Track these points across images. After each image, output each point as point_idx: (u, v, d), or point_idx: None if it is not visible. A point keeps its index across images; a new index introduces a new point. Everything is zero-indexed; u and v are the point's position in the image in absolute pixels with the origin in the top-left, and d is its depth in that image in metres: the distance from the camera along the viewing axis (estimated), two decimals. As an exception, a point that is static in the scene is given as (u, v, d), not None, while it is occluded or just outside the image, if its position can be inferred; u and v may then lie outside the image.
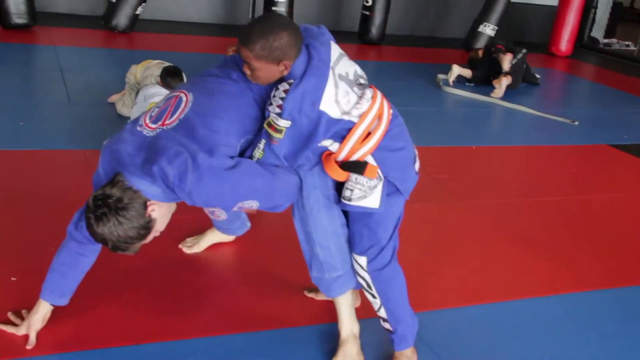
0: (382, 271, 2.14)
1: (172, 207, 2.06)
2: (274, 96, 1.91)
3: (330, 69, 1.92)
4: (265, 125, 1.95)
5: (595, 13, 10.33)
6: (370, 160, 2.01)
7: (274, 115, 1.91)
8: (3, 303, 2.31)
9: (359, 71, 2.03)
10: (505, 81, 6.29)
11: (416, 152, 2.18)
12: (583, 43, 10.18)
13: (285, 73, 1.92)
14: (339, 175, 2.01)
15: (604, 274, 3.12)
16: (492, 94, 6.26)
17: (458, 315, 2.65)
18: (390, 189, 2.08)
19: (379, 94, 2.03)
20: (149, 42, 6.85)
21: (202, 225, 2.88)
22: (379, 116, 1.99)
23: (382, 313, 2.22)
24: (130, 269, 2.63)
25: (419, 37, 9.59)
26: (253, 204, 2.01)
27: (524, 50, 6.67)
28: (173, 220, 2.94)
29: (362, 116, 1.95)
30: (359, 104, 1.95)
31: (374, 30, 8.34)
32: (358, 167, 1.99)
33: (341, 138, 1.98)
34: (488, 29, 8.58)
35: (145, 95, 3.95)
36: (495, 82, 6.34)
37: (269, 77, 1.93)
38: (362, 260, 2.14)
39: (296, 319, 2.47)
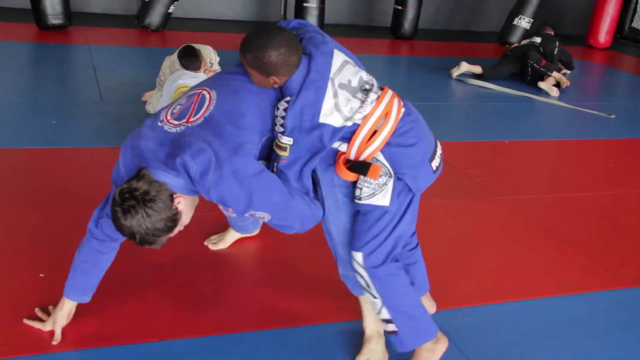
0: (378, 269, 2.07)
1: (195, 200, 2.06)
2: (277, 116, 1.96)
3: (329, 80, 1.93)
4: (274, 147, 1.99)
5: (637, 3, 10.03)
6: (380, 156, 1.99)
7: (279, 134, 1.95)
8: (31, 299, 2.34)
9: (365, 77, 2.01)
10: (550, 82, 6.28)
11: (438, 149, 2.13)
12: (623, 34, 9.93)
13: (277, 86, 1.97)
14: (348, 176, 2.00)
15: (638, 271, 3.03)
16: (551, 95, 6.17)
17: (487, 312, 2.60)
18: (400, 187, 2.04)
19: (387, 95, 2.00)
20: (181, 40, 6.83)
21: (227, 222, 2.88)
22: (386, 115, 1.97)
23: (384, 314, 2.12)
24: (155, 266, 2.65)
25: (453, 31, 9.48)
26: (265, 216, 2.00)
27: (557, 43, 6.62)
28: (198, 217, 2.96)
29: (365, 118, 1.95)
30: (361, 108, 1.95)
31: (407, 24, 8.27)
32: (362, 168, 1.98)
33: (348, 140, 1.97)
34: (523, 22, 8.42)
35: (170, 88, 3.95)
36: (542, 86, 6.27)
37: (263, 84, 2.00)
38: (359, 256, 2.08)
39: (322, 316, 2.46)
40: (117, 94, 4.86)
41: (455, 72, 6.45)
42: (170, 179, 1.90)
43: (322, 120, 1.91)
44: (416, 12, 8.25)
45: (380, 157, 1.99)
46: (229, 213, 2.67)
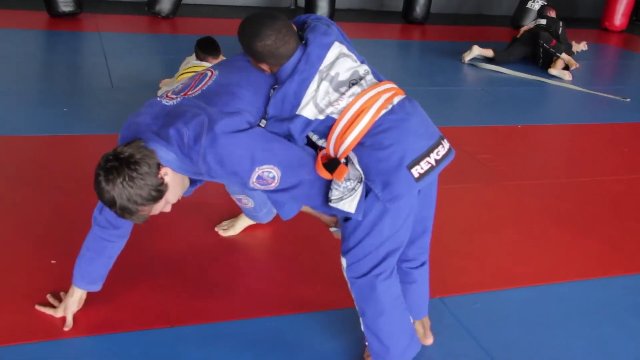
0: (358, 279, 2.00)
1: (185, 181, 1.99)
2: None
3: (317, 72, 1.90)
4: None
5: (653, -15, 9.88)
6: (354, 158, 1.90)
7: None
8: (43, 285, 2.35)
9: (362, 72, 1.95)
10: (559, 65, 6.26)
11: (432, 154, 1.92)
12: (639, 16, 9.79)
13: (268, 72, 1.96)
14: (323, 173, 1.92)
15: (654, 256, 3.00)
16: (564, 79, 6.12)
17: (499, 298, 2.59)
18: (373, 197, 1.90)
19: (373, 91, 1.91)
20: (192, 26, 6.87)
21: (237, 208, 2.88)
22: (361, 112, 1.88)
23: (361, 326, 2.07)
24: (167, 252, 2.66)
25: (465, 15, 9.39)
26: (273, 171, 1.87)
27: (561, 23, 6.62)
28: (208, 204, 2.98)
29: (342, 112, 1.89)
30: (337, 101, 1.89)
31: (418, 9, 8.18)
32: (332, 166, 1.91)
33: (326, 135, 1.93)
34: (537, 5, 8.30)
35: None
36: (553, 72, 6.22)
37: (258, 69, 1.98)
38: (343, 261, 2.03)
39: (332, 302, 2.45)
40: (128, 81, 4.85)
41: (467, 56, 6.41)
42: (160, 150, 1.85)
43: (298, 111, 1.89)
44: (428, -4, 8.17)
45: (354, 160, 1.90)
46: (244, 204, 2.66)
